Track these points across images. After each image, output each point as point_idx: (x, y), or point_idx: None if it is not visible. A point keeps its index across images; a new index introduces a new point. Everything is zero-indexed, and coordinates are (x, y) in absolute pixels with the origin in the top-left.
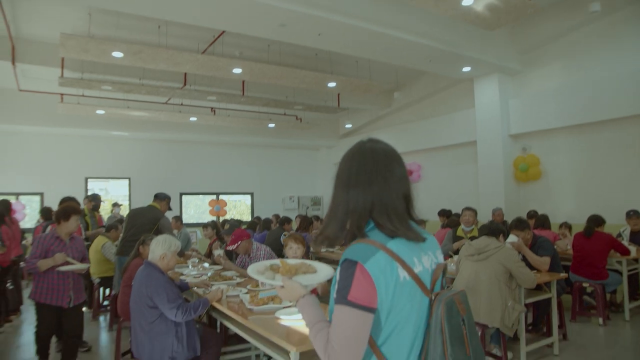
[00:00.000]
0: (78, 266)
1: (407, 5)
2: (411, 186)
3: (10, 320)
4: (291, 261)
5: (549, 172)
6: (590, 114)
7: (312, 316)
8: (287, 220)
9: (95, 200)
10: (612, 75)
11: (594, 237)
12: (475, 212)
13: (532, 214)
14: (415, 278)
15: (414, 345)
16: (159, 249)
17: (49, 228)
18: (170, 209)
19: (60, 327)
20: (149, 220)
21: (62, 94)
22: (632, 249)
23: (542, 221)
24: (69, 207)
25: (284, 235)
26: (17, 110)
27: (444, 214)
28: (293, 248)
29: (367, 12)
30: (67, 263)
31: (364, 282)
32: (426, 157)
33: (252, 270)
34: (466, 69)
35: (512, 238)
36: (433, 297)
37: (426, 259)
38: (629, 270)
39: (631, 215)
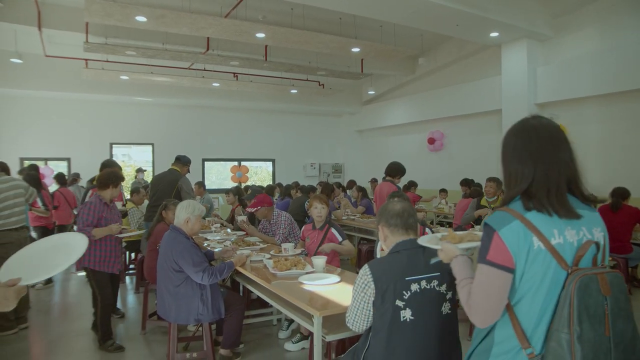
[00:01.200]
0: (135, 232)
1: None
2: (578, 166)
3: None
4: (459, 233)
5: (575, 142)
6: (622, 82)
7: (461, 273)
8: (312, 189)
9: (110, 166)
10: None
11: (620, 211)
12: (499, 182)
13: None
14: (551, 249)
15: (545, 313)
16: (183, 213)
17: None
18: (188, 171)
19: None
20: (169, 182)
21: (86, 60)
22: None
23: None
24: (115, 173)
25: (307, 202)
26: (43, 75)
27: (466, 183)
28: (318, 208)
29: None
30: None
31: (500, 245)
32: (450, 126)
33: (422, 240)
34: (494, 34)
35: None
36: (570, 271)
37: (572, 233)
38: None
39: None
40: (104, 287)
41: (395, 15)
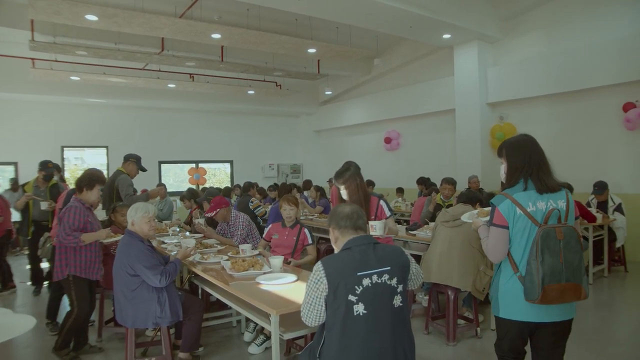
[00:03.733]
0: (119, 237)
1: None
2: (547, 161)
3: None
4: (485, 209)
5: None
6: (567, 83)
7: (483, 234)
8: (251, 186)
9: (45, 169)
10: (591, 45)
11: None
12: (454, 185)
13: None
14: (527, 214)
15: (525, 251)
16: (130, 215)
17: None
18: (143, 169)
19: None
20: (108, 184)
21: (33, 59)
22: (599, 216)
23: None
24: (93, 175)
25: (252, 202)
26: None
27: (422, 182)
28: (287, 209)
29: None
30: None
31: (499, 215)
32: (405, 125)
33: (464, 216)
34: (446, 36)
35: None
36: (539, 227)
37: (542, 204)
38: (594, 237)
39: (596, 190)
40: (83, 297)
41: (350, 17)
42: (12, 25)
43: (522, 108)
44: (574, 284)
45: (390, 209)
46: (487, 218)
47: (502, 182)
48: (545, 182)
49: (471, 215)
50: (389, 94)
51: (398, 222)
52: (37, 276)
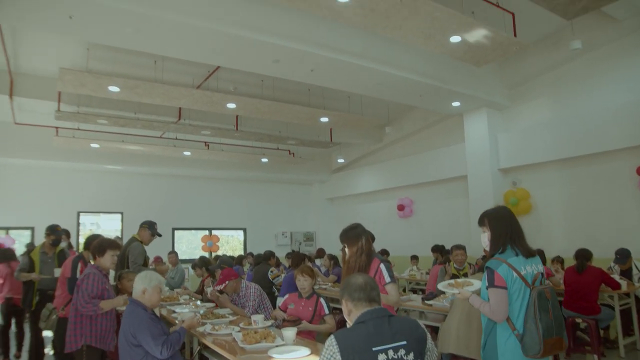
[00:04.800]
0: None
1: (397, 42)
2: (521, 230)
3: None
4: (460, 280)
5: (539, 205)
6: (577, 147)
7: (477, 301)
8: (272, 255)
9: (54, 232)
10: (598, 109)
11: (585, 272)
12: (464, 249)
13: None
14: (521, 277)
15: (521, 310)
16: (140, 284)
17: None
18: (159, 234)
19: None
20: (122, 251)
21: (57, 128)
22: (623, 283)
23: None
24: (104, 241)
25: (271, 272)
26: (11, 143)
27: (437, 249)
28: (301, 280)
29: (358, 48)
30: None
31: (499, 277)
32: (418, 192)
33: (442, 285)
34: (455, 104)
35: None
36: (532, 288)
37: (530, 267)
38: (621, 305)
39: (618, 258)
40: None
41: (361, 87)
42: (40, 97)
43: (534, 173)
44: (560, 337)
45: (391, 275)
46: (472, 287)
47: (484, 249)
48: (527, 248)
49: (445, 286)
50: (401, 162)
51: (414, 291)
52: (38, 351)
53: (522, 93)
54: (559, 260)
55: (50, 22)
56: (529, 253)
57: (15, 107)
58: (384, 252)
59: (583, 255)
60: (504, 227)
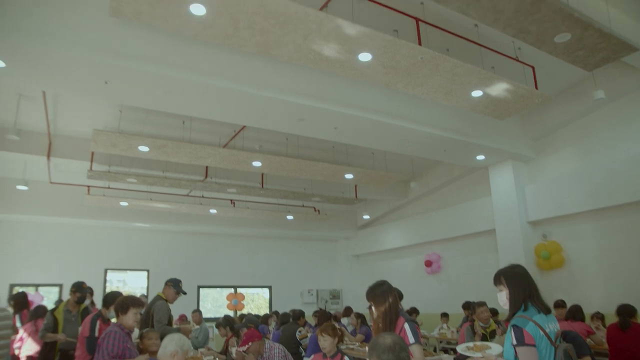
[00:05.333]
0: None
1: (419, 98)
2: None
3: None
4: (479, 343)
5: (572, 258)
6: (607, 197)
7: None
8: (302, 315)
9: (80, 289)
10: (626, 158)
11: (630, 330)
12: (487, 306)
13: (560, 303)
14: (546, 335)
15: None
16: (172, 345)
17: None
18: (183, 292)
19: None
20: (146, 310)
21: (89, 186)
22: None
23: (574, 312)
24: (127, 298)
25: (299, 331)
26: (45, 201)
27: (468, 306)
28: (321, 340)
29: (381, 105)
30: None
31: (528, 335)
32: (445, 247)
33: (461, 349)
34: (480, 157)
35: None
36: (556, 346)
37: (552, 326)
38: None
39: None
40: None
41: (385, 144)
42: (74, 157)
43: (565, 225)
44: None
45: (416, 335)
46: (492, 350)
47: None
48: (546, 306)
49: (465, 349)
50: (427, 217)
51: (445, 350)
52: None
53: (547, 144)
54: (598, 316)
55: (87, 88)
56: (547, 310)
57: (52, 167)
58: (414, 311)
59: (626, 312)
60: (521, 284)
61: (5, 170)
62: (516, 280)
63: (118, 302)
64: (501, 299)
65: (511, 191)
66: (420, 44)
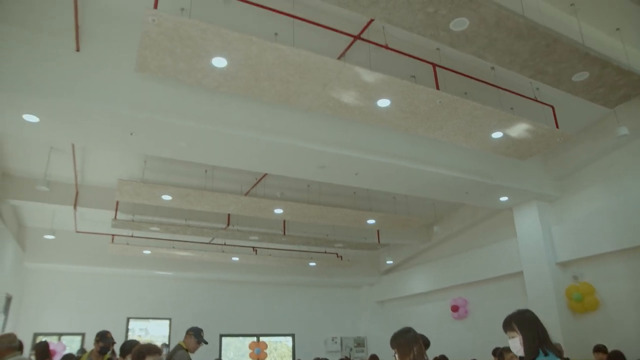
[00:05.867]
0: None
1: (439, 141)
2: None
3: None
4: None
5: (607, 300)
6: (638, 235)
7: None
8: None
9: (104, 339)
10: None
11: None
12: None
13: (600, 348)
14: None
15: None
16: None
17: None
18: (205, 342)
19: None
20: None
21: (113, 235)
22: None
23: (615, 358)
24: (143, 347)
25: None
26: (70, 250)
27: (499, 353)
28: None
29: (401, 150)
30: None
31: None
32: (472, 291)
33: None
34: (503, 198)
35: None
36: None
37: None
38: None
39: None
40: None
41: (407, 188)
42: (99, 207)
43: (596, 265)
44: None
45: None
46: None
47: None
48: (560, 350)
49: None
50: (452, 260)
51: None
52: None
53: (572, 183)
54: None
55: (114, 139)
56: (560, 354)
57: (78, 216)
58: (443, 359)
59: None
60: (534, 329)
61: (34, 220)
62: (528, 325)
63: (134, 351)
64: (514, 345)
65: (537, 232)
66: (438, 88)
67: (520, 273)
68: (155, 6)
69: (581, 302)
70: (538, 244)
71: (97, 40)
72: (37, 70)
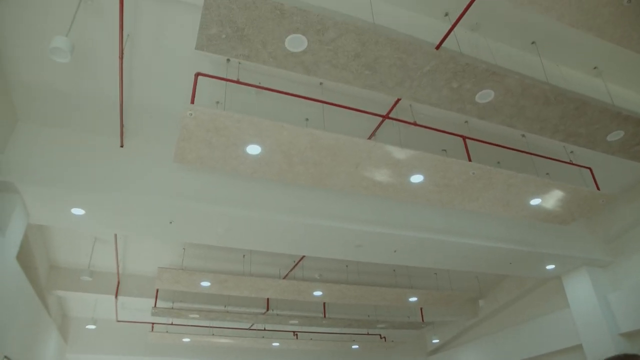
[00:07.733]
0: None
1: (476, 212)
2: None
3: None
4: None
5: None
6: None
7: None
8: None
9: None
10: None
11: None
12: None
13: None
14: None
15: None
16: None
17: None
18: None
19: None
20: None
21: (153, 323)
22: None
23: None
24: None
25: None
26: (111, 340)
27: None
28: None
29: (438, 223)
30: None
31: None
32: None
33: None
34: (550, 266)
35: None
36: None
37: None
38: None
39: None
40: None
41: (447, 262)
42: (140, 295)
43: None
44: None
45: None
46: None
47: None
48: None
49: None
50: (501, 336)
51: None
52: None
53: (623, 245)
54: None
55: (153, 229)
56: None
57: (119, 306)
58: None
59: None
60: None
61: (76, 310)
62: None
63: None
64: None
65: (592, 300)
66: (470, 159)
67: (579, 347)
68: (192, 101)
69: None
70: (595, 314)
71: (138, 136)
72: (85, 167)
